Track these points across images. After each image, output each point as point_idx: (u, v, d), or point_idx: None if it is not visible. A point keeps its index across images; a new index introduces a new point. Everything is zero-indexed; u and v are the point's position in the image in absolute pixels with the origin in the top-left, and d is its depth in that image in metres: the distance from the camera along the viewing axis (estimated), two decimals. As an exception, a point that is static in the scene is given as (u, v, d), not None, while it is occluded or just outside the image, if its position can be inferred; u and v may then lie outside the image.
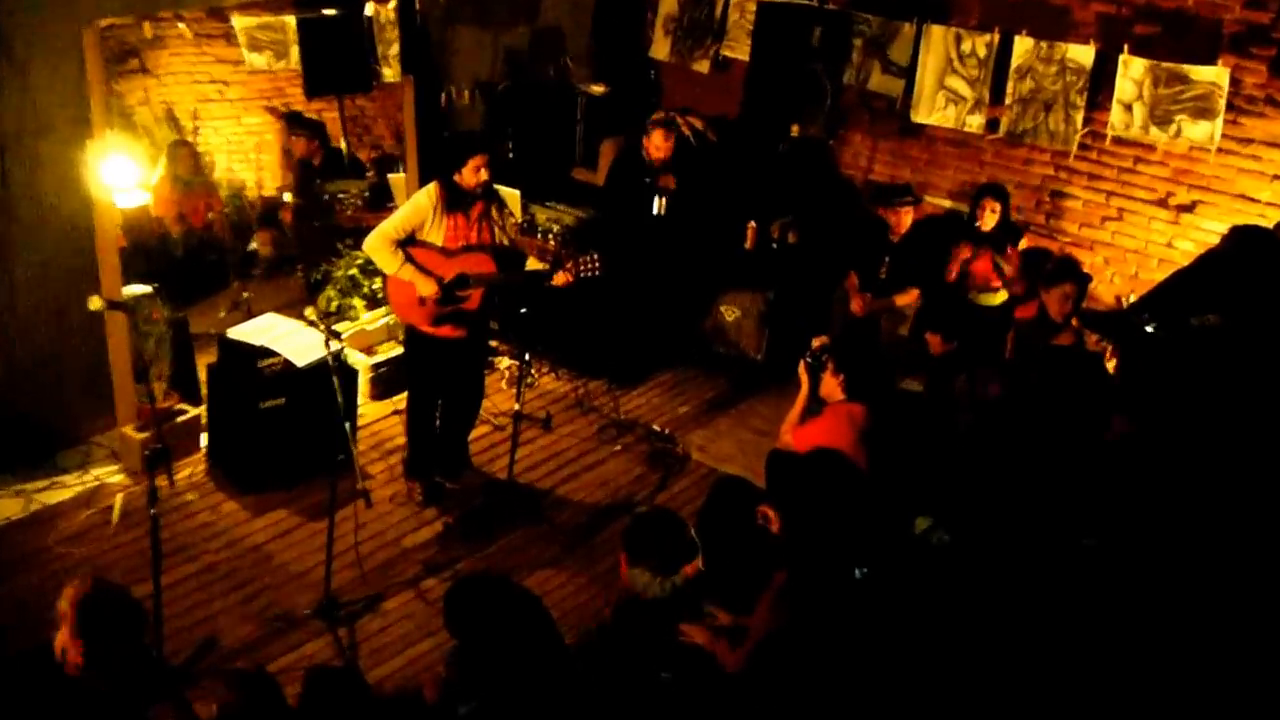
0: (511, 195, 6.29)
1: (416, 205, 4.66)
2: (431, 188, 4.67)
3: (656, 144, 6.24)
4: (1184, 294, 3.86)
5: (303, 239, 7.19)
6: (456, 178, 4.61)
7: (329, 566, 4.75)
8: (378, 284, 6.48)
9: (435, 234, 4.66)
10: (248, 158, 8.04)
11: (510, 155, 7.40)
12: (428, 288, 4.65)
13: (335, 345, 4.41)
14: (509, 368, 6.54)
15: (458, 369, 5.10)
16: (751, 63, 6.97)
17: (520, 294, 6.07)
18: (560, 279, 4.67)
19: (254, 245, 7.53)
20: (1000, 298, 6.28)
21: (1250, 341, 3.53)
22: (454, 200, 4.64)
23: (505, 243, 4.80)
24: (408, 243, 4.67)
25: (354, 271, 6.53)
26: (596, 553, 5.22)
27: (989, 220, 6.20)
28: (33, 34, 5.10)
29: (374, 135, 8.39)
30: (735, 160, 7.07)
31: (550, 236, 6.57)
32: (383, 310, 6.44)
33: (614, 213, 6.43)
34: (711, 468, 5.90)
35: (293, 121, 7.62)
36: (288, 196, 7.38)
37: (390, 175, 7.15)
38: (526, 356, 6.13)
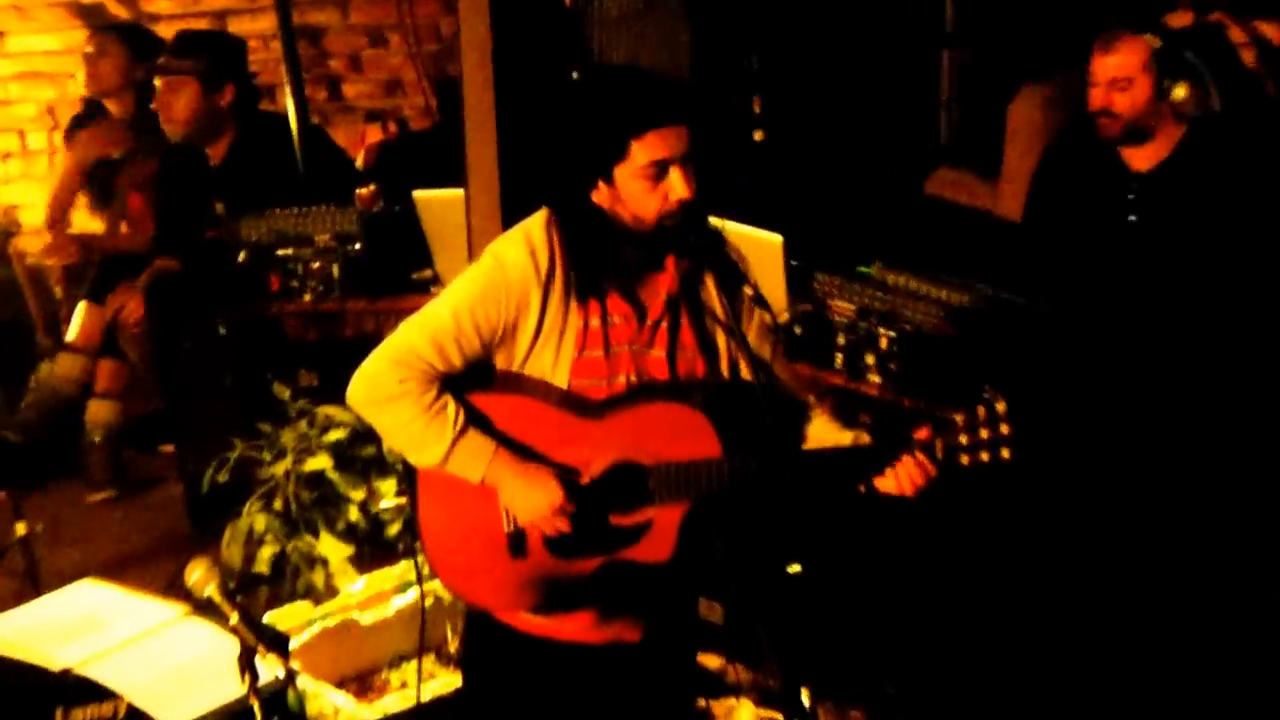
0: (762, 244, 4.90)
1: (493, 279, 3.65)
2: (534, 231, 3.65)
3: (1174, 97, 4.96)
4: None
5: (178, 372, 6.26)
6: (599, 198, 3.41)
7: None
8: (388, 494, 5.23)
9: (546, 354, 3.50)
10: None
11: (757, 138, 6.45)
12: (534, 499, 3.58)
13: (269, 670, 3.50)
14: None
15: None
16: None
17: (780, 517, 4.42)
18: (907, 474, 3.45)
19: (60, 386, 6.93)
20: None
21: None
22: (598, 262, 3.55)
23: (746, 375, 3.63)
24: (471, 379, 3.55)
25: (320, 464, 5.22)
26: None
27: None
28: None
29: (364, 84, 8.11)
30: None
31: (869, 357, 4.88)
32: (399, 570, 5.07)
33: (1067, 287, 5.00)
34: None
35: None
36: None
37: (420, 194, 5.80)
38: (805, 699, 4.59)
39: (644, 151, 3.33)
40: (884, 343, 5.10)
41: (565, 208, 3.49)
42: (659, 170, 3.31)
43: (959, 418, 3.43)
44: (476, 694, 3.87)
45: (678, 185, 3.31)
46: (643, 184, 3.34)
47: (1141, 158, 5.12)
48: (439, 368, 3.41)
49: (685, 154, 3.33)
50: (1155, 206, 5.12)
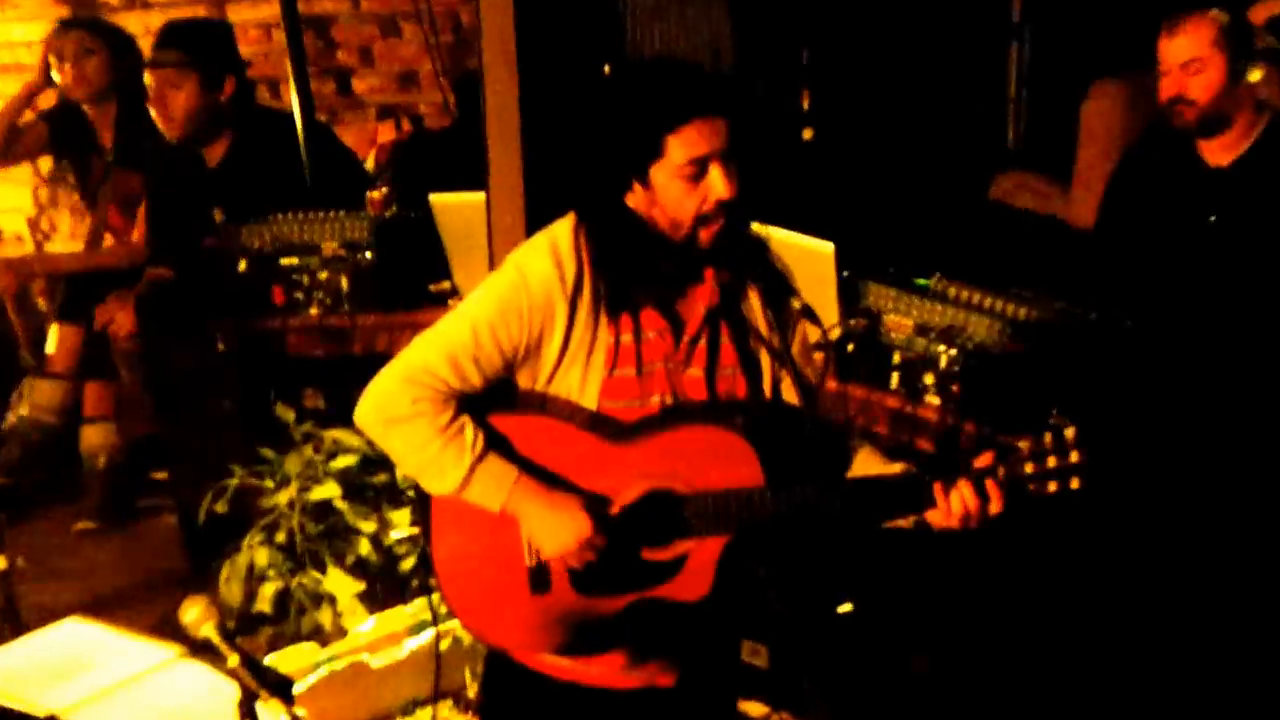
0: (812, 253, 4.98)
1: (516, 292, 3.70)
2: (560, 239, 3.72)
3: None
4: None
5: (173, 393, 6.34)
6: (634, 202, 3.58)
7: None
8: (401, 525, 5.34)
9: (574, 372, 3.58)
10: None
11: (806, 137, 6.61)
12: (560, 530, 3.66)
13: (271, 718, 3.48)
14: None
15: None
16: None
17: (829, 552, 4.79)
18: (961, 503, 3.55)
19: (39, 416, 7.09)
20: None
21: None
22: (631, 272, 3.64)
23: (791, 398, 3.74)
24: (491, 399, 3.64)
25: (327, 493, 5.29)
26: None
27: None
28: None
29: (376, 77, 8.25)
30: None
31: (928, 377, 5.13)
32: (413, 609, 5.16)
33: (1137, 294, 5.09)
34: None
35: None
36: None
37: (437, 198, 5.76)
38: None
39: (681, 148, 3.30)
40: (944, 362, 5.07)
41: (596, 213, 3.49)
42: (698, 168, 3.29)
43: (1024, 444, 3.38)
44: None
45: (718, 184, 3.28)
46: (681, 184, 3.31)
47: (1220, 151, 5.10)
48: (456, 387, 3.39)
49: (725, 150, 3.31)
50: (1237, 204, 5.11)
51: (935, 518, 3.53)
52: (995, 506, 3.46)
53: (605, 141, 3.49)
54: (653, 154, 3.37)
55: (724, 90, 3.50)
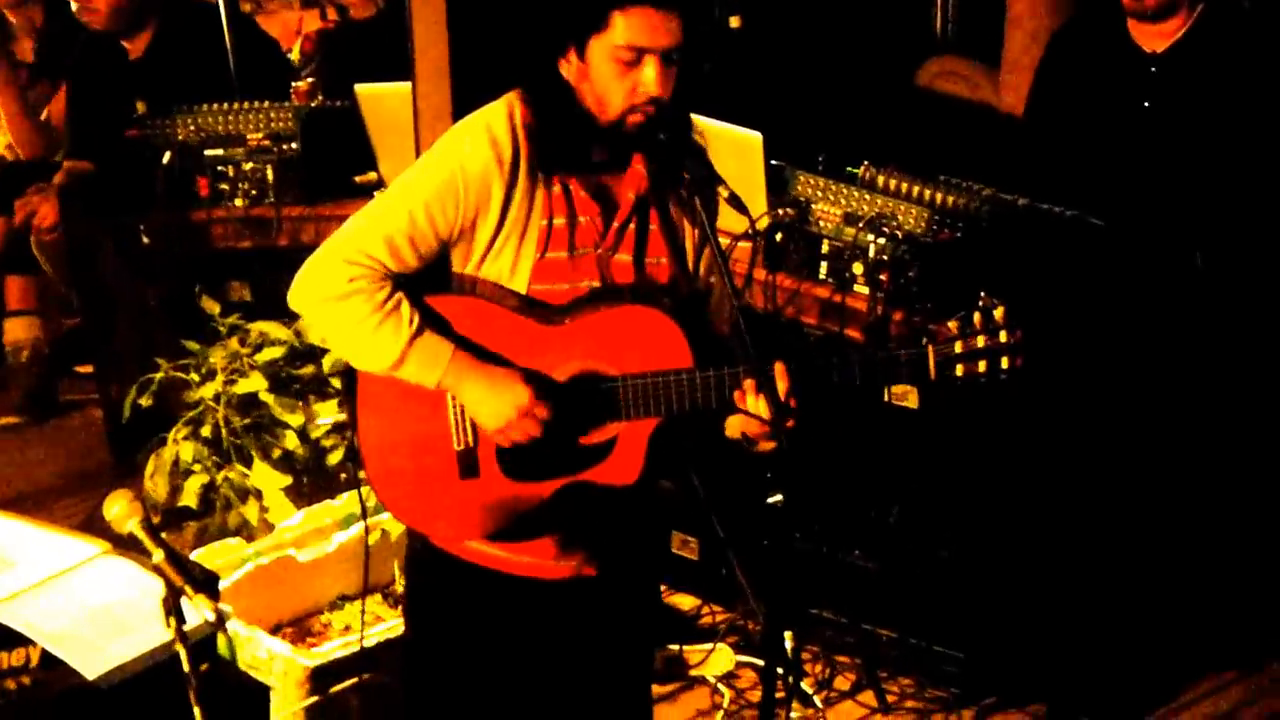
0: (739, 142, 5.16)
1: (451, 173, 3.70)
2: (495, 120, 3.71)
3: None
4: None
5: (97, 286, 6.31)
6: (565, 71, 3.61)
7: None
8: (327, 414, 5.41)
9: (507, 254, 3.62)
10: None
11: (734, 25, 6.90)
12: (499, 402, 3.71)
13: (197, 613, 3.49)
14: (731, 678, 5.40)
15: (564, 680, 3.96)
16: None
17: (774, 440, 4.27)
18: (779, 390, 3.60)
19: None
20: None
21: None
22: (565, 150, 3.64)
23: (719, 285, 3.79)
24: (425, 280, 3.64)
25: (254, 386, 5.32)
26: None
27: None
28: None
29: None
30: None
31: (857, 266, 5.18)
32: (341, 503, 5.17)
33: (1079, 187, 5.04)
34: None
35: None
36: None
37: (362, 88, 5.86)
38: (787, 640, 4.54)
39: (625, 29, 3.28)
40: (873, 251, 5.07)
41: (528, 71, 3.46)
42: (635, 55, 3.27)
43: (952, 324, 3.40)
44: (421, 635, 3.86)
45: (649, 79, 3.27)
46: (614, 66, 3.29)
47: (1156, 37, 5.08)
48: (392, 268, 3.39)
49: (669, 49, 3.29)
50: (1171, 90, 5.11)
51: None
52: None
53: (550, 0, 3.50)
54: (596, 24, 3.33)
55: None
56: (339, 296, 3.45)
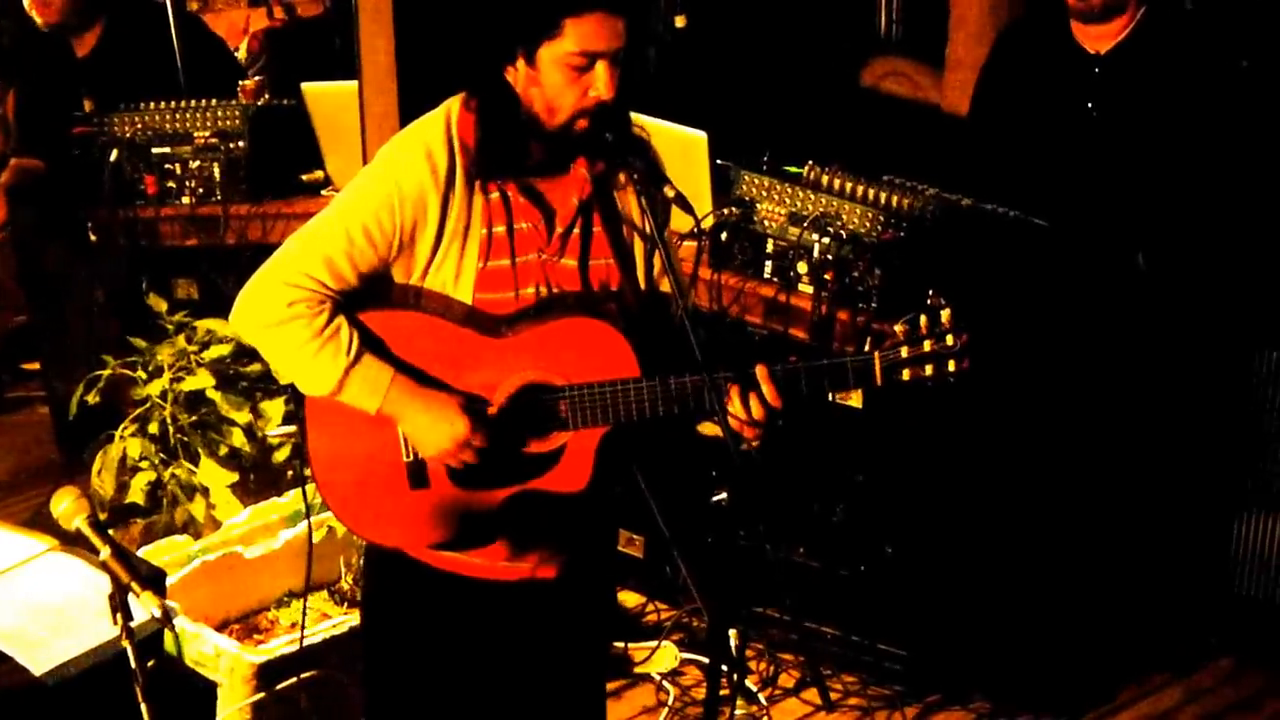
0: (684, 141, 5.18)
1: (386, 187, 3.65)
2: (430, 132, 3.69)
3: None
4: None
5: (44, 283, 6.36)
6: (512, 78, 3.55)
7: None
8: (276, 417, 5.43)
9: (448, 265, 3.56)
10: None
11: (679, 24, 6.88)
12: (437, 432, 3.67)
13: (144, 610, 3.48)
14: (676, 675, 5.35)
15: (521, 679, 3.92)
16: None
17: (705, 442, 4.38)
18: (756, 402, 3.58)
19: None
20: None
21: None
22: (504, 156, 3.58)
23: (666, 288, 3.69)
24: (368, 296, 3.61)
25: (200, 383, 5.31)
26: None
27: None
28: None
29: None
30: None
31: (801, 265, 5.15)
32: (288, 500, 5.21)
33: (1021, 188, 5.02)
34: None
35: None
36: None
37: (309, 87, 5.88)
38: (732, 638, 4.81)
39: (577, 36, 3.25)
40: (817, 250, 5.05)
41: (478, 98, 3.42)
42: (587, 61, 3.26)
43: (900, 329, 3.36)
44: (377, 635, 3.82)
45: (600, 83, 3.26)
46: (565, 72, 3.27)
47: (1100, 38, 5.10)
48: (332, 287, 3.35)
49: (617, 51, 3.28)
50: (1114, 91, 5.12)
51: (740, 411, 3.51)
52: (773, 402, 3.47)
53: (500, 6, 3.44)
54: (547, 31, 3.31)
55: None
56: (278, 322, 3.43)
